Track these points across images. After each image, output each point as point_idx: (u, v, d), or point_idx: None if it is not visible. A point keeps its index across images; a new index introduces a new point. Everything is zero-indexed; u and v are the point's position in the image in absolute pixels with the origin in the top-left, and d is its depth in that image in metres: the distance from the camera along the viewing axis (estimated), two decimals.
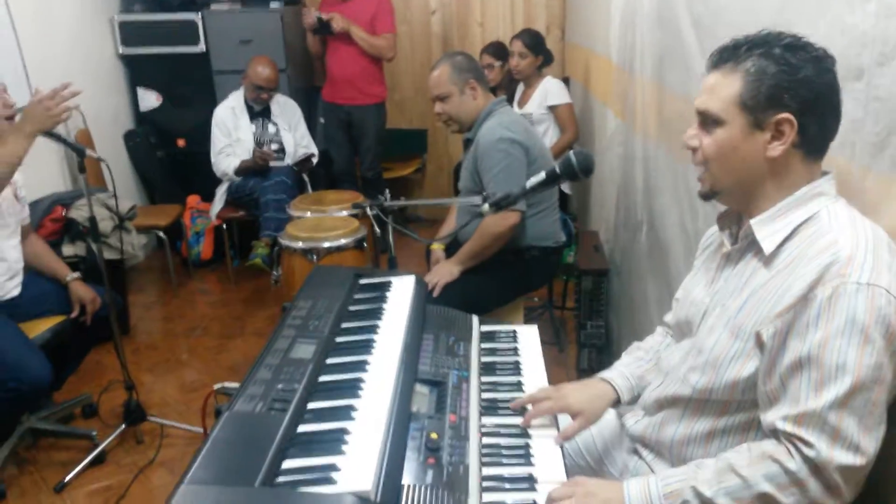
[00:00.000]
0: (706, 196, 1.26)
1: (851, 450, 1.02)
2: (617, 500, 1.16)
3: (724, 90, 1.16)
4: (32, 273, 2.63)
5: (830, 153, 1.28)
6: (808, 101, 1.11)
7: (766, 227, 1.18)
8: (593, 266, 3.02)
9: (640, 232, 2.72)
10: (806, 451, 1.04)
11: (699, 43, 1.99)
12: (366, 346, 1.52)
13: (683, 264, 2.15)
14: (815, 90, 1.11)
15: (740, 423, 1.21)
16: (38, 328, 2.50)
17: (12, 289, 2.53)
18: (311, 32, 4.29)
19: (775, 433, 1.09)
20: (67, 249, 3.24)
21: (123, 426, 2.72)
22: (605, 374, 1.52)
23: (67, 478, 2.50)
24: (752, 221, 1.19)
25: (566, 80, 4.26)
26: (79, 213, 3.25)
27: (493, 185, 2.39)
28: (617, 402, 1.48)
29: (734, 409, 1.21)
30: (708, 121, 1.19)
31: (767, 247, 1.17)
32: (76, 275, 2.64)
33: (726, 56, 1.18)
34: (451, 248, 2.77)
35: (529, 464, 1.33)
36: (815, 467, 1.03)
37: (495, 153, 2.44)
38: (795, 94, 1.11)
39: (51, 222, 3.26)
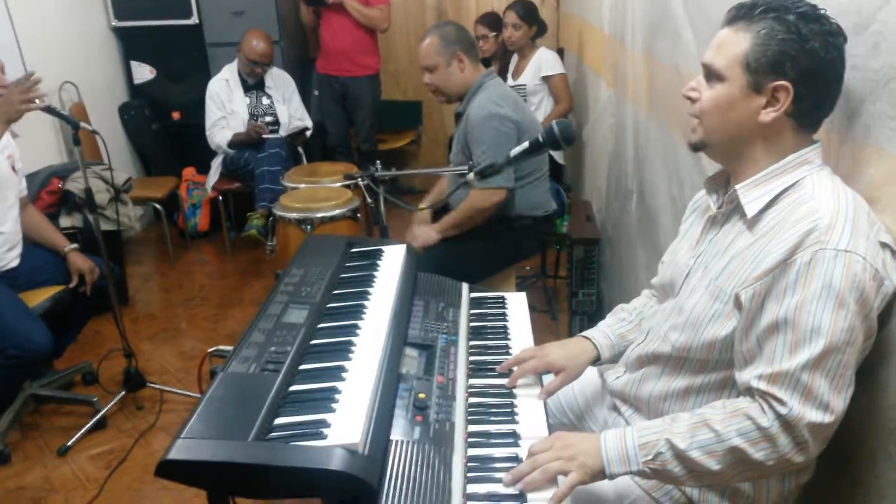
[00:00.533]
0: (696, 147, 1.27)
1: (822, 408, 1.06)
2: (594, 451, 1.20)
3: (731, 48, 1.17)
4: (31, 244, 2.66)
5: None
6: (809, 72, 1.12)
7: (751, 192, 1.20)
8: (585, 235, 3.06)
9: (630, 201, 2.76)
10: (778, 408, 1.08)
11: (687, 14, 2.00)
12: (357, 312, 1.56)
13: (672, 233, 2.18)
14: (817, 63, 1.12)
15: (716, 381, 1.26)
16: (38, 297, 2.54)
17: (12, 259, 2.57)
18: (304, 4, 4.27)
19: (749, 391, 1.13)
20: (65, 221, 3.28)
21: (123, 392, 2.78)
22: (587, 332, 1.57)
23: (70, 442, 2.57)
24: (738, 186, 1.22)
25: (560, 52, 4.27)
26: (75, 185, 3.27)
27: (484, 160, 2.42)
28: (597, 360, 1.53)
29: (710, 368, 1.26)
30: (711, 75, 1.21)
31: (750, 210, 1.19)
32: (74, 246, 2.68)
33: (741, 14, 1.18)
34: (440, 215, 2.81)
35: (513, 421, 1.38)
36: (787, 424, 1.08)
37: (486, 128, 2.46)
38: (798, 63, 1.11)
39: (47, 194, 3.29)
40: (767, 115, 1.16)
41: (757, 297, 1.13)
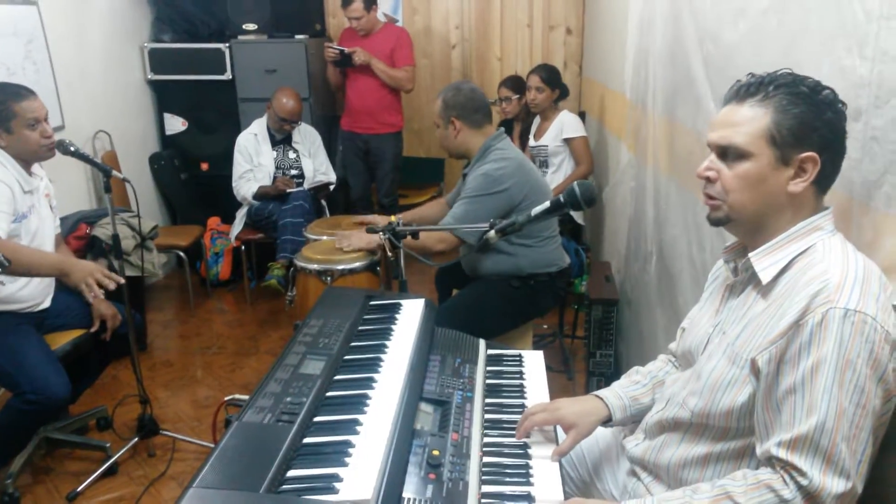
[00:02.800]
0: (718, 222, 1.27)
1: (843, 476, 1.05)
2: None
3: (751, 124, 1.18)
4: (56, 286, 2.71)
5: (831, 191, 1.32)
6: (830, 141, 1.16)
7: (764, 259, 1.21)
8: (603, 296, 3.05)
9: (649, 263, 2.76)
10: (800, 479, 1.06)
11: (709, 80, 2.04)
12: (373, 365, 1.56)
13: (691, 294, 2.19)
14: (835, 131, 1.15)
15: (735, 449, 1.24)
16: (60, 340, 2.56)
17: (45, 300, 2.61)
18: (332, 65, 4.41)
19: (770, 461, 1.12)
20: None
21: (136, 439, 2.77)
22: (600, 392, 1.55)
23: (80, 487, 2.55)
24: (751, 254, 1.23)
25: (582, 115, 4.34)
26: (102, 230, 3.34)
27: (457, 208, 2.54)
28: (608, 420, 1.50)
29: (730, 436, 1.24)
30: (730, 153, 1.21)
31: (765, 277, 1.20)
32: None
33: (753, 90, 1.20)
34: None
35: (528, 483, 1.36)
36: (809, 496, 1.06)
37: (477, 183, 2.55)
38: (820, 134, 1.15)
39: (75, 239, 3.35)
40: (797, 186, 1.17)
41: (773, 360, 1.13)
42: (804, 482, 1.06)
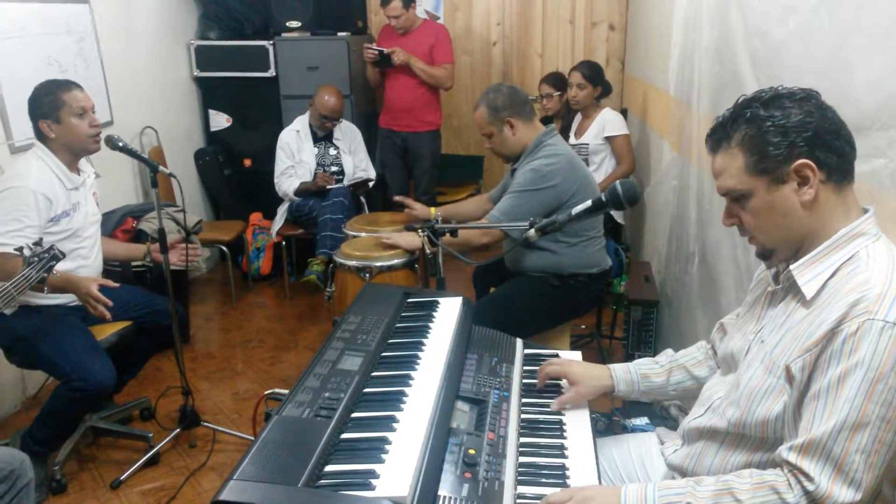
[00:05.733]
0: (763, 256, 1.28)
1: (853, 487, 1.03)
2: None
3: (731, 168, 1.20)
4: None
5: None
6: (811, 138, 1.14)
7: (807, 272, 1.19)
8: (643, 296, 3.00)
9: (691, 264, 2.71)
10: (806, 484, 1.05)
11: (755, 77, 2.00)
12: (410, 362, 1.57)
13: (734, 297, 2.14)
14: (811, 127, 1.14)
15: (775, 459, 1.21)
16: (105, 332, 2.63)
17: None
18: (371, 65, 4.42)
19: (781, 463, 1.11)
20: (136, 261, 3.40)
21: (178, 430, 2.83)
22: (612, 364, 1.64)
23: (123, 476, 2.62)
24: (792, 267, 1.21)
25: (624, 112, 4.28)
26: (148, 225, 3.42)
27: (504, 202, 2.53)
28: (612, 390, 1.59)
29: (768, 447, 1.22)
30: (735, 198, 1.23)
31: (808, 291, 1.18)
32: (148, 243, 2.88)
33: (717, 137, 1.23)
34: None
35: (565, 485, 1.35)
36: (813, 502, 1.04)
37: (525, 178, 2.53)
38: (796, 139, 1.14)
39: (122, 233, 3.43)
40: (807, 194, 1.16)
41: (806, 368, 1.11)
42: (810, 487, 1.04)
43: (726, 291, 2.25)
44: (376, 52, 4.26)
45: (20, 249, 1.93)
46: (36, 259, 1.90)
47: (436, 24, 4.57)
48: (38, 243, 1.99)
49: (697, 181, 2.63)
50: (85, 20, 3.62)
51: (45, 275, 1.93)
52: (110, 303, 2.37)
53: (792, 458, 1.07)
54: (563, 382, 1.66)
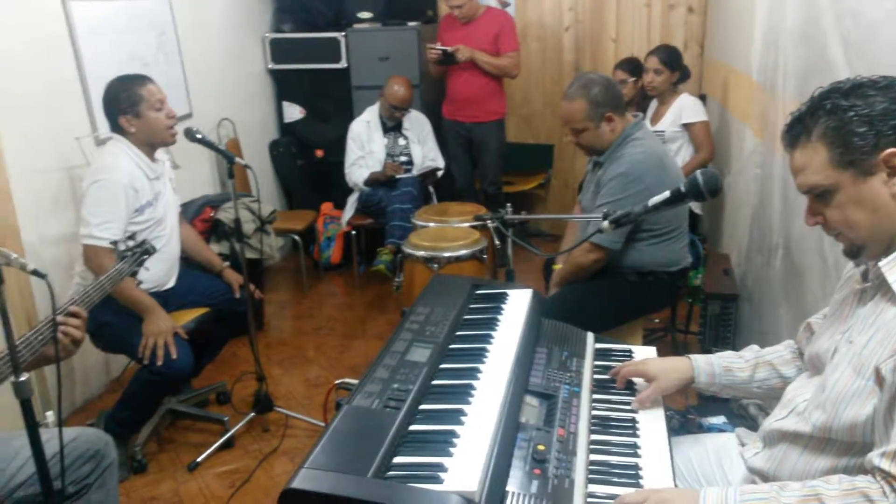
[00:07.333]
0: (852, 254, 1.22)
1: None
2: None
3: (813, 163, 1.15)
4: (183, 269, 2.87)
5: None
6: None
7: None
8: (722, 290, 2.89)
9: (774, 257, 2.59)
10: None
11: (847, 61, 1.88)
12: (479, 355, 1.55)
13: (820, 293, 2.03)
14: (893, 112, 1.09)
15: (863, 464, 1.14)
16: (184, 318, 2.71)
17: (171, 280, 2.77)
18: (434, 64, 4.39)
19: (872, 470, 1.05)
20: (213, 248, 3.51)
21: (252, 414, 2.91)
22: (694, 355, 1.57)
23: (200, 458, 2.71)
24: (882, 263, 1.15)
25: (703, 98, 4.12)
26: (225, 214, 3.52)
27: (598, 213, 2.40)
28: (692, 381, 1.53)
29: (856, 451, 1.15)
30: (819, 196, 1.18)
31: None
32: (226, 264, 2.93)
33: (795, 132, 1.18)
34: None
35: (638, 485, 1.30)
36: None
37: (615, 186, 2.42)
38: (883, 127, 1.09)
39: (200, 222, 3.55)
40: None
41: None
42: None
43: (812, 286, 2.14)
44: (440, 52, 4.22)
45: (115, 244, 2.00)
46: (129, 253, 1.97)
47: (499, 11, 4.50)
48: (132, 237, 2.06)
49: (782, 170, 2.50)
50: (165, 16, 3.74)
51: (137, 268, 2.00)
52: (161, 359, 2.45)
53: (885, 465, 1.01)
54: (639, 380, 1.61)
